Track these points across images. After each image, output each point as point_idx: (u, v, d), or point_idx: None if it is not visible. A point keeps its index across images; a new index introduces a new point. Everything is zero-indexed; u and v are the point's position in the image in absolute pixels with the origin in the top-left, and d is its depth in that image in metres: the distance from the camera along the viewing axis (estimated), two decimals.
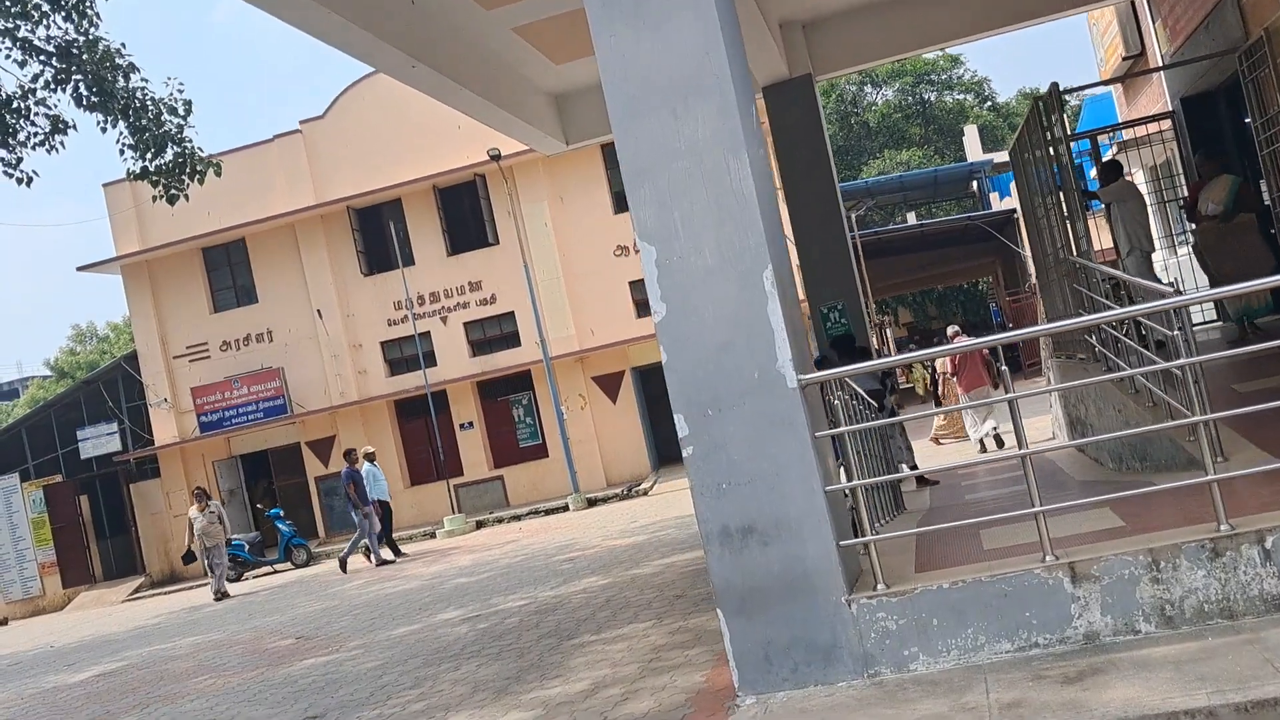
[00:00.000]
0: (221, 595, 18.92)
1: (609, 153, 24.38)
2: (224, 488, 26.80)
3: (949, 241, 38.79)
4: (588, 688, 7.02)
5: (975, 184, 44.80)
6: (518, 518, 22.67)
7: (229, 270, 26.80)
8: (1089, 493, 8.44)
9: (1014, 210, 34.93)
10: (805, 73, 14.27)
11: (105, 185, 26.87)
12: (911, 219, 44.67)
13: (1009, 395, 5.34)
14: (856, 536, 5.60)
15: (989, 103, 58.50)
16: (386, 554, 19.32)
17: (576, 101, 15.20)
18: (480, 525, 22.82)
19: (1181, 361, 5.73)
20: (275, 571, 22.80)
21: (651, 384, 24.88)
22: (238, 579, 22.46)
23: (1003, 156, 47.64)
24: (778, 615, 5.24)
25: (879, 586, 5.22)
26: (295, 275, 26.00)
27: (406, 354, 25.63)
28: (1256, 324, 9.88)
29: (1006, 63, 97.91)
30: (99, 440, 28.10)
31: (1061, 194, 10.79)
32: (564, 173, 24.47)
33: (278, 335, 26.20)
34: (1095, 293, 10.07)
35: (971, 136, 49.66)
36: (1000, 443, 16.76)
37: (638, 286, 24.34)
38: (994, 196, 42.39)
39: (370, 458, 19.67)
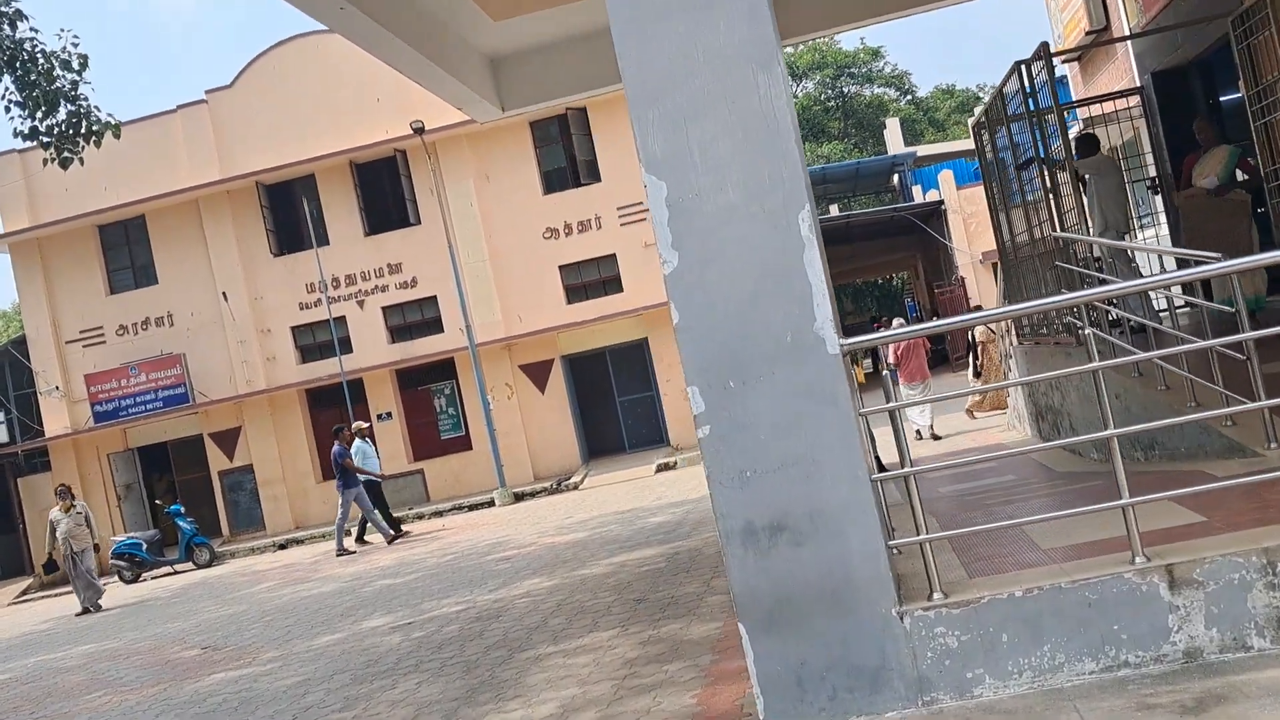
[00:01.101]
0: (89, 609, 16.61)
1: (539, 130, 23.30)
2: (120, 482, 25.09)
3: (873, 234, 38.44)
4: (555, 711, 6.02)
5: (897, 177, 44.62)
6: (439, 513, 21.48)
7: (127, 249, 25.06)
8: (1088, 487, 7.70)
9: (940, 202, 34.69)
10: None
11: None
12: (834, 211, 44.29)
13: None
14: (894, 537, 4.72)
15: (910, 96, 58.56)
16: (350, 544, 17.97)
17: (514, 65, 14.17)
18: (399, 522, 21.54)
19: (1245, 335, 4.97)
20: (175, 572, 21.30)
21: (582, 372, 23.81)
22: (135, 580, 20.97)
23: (926, 149, 47.71)
24: (814, 630, 4.32)
25: (935, 596, 4.32)
26: (199, 255, 24.39)
27: (320, 340, 24.21)
28: (1261, 309, 9.23)
29: (927, 56, 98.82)
30: None
31: (1045, 166, 10.08)
32: (491, 150, 23.29)
33: (179, 319, 24.56)
34: (1088, 269, 9.38)
35: (893, 129, 49.52)
36: (927, 434, 16.15)
37: (569, 270, 23.25)
38: (916, 189, 42.19)
39: (363, 434, 18.29)
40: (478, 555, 13.80)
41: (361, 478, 17.51)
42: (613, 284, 22.92)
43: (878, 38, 58.65)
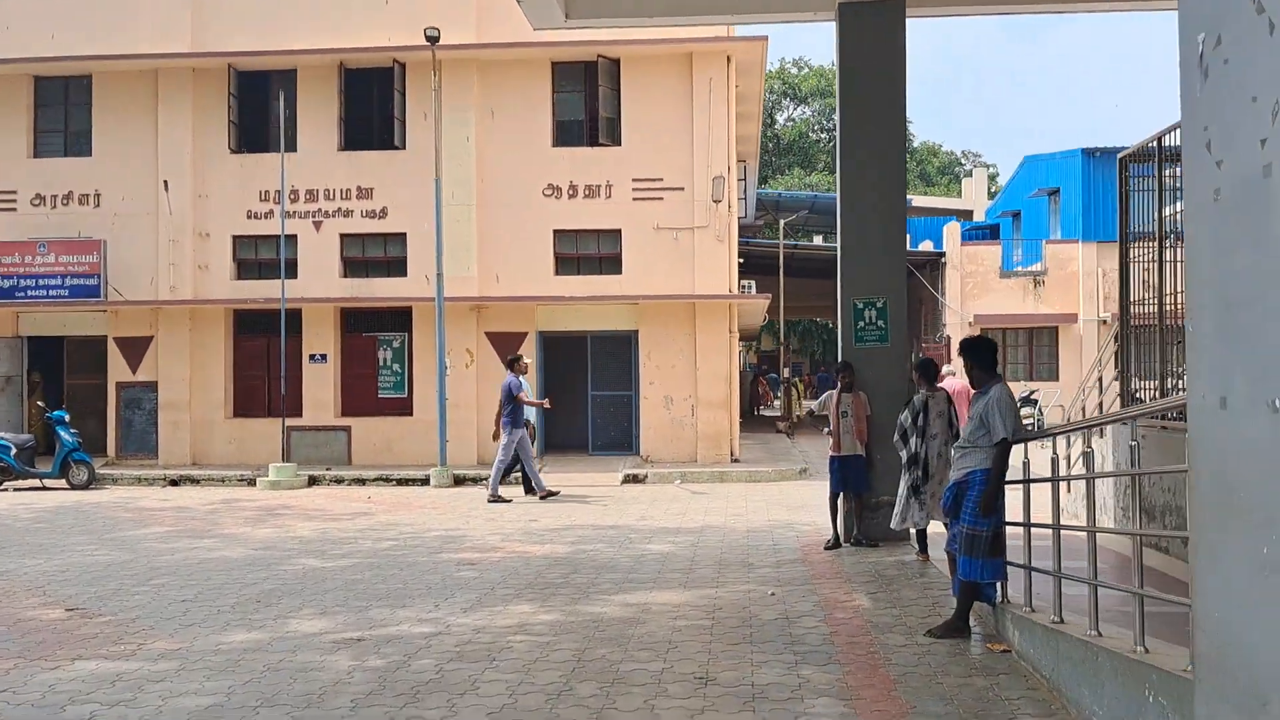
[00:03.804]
0: None
1: (562, 73, 20.69)
2: None
3: None
4: None
5: None
6: (362, 481, 18.69)
7: (64, 110, 21.77)
8: None
9: (941, 254, 32.84)
10: None
11: None
12: (819, 242, 42.33)
13: None
14: None
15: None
16: (504, 491, 15.61)
17: None
18: (313, 482, 18.73)
19: None
20: (45, 487, 18.22)
21: (556, 355, 21.13)
22: None
23: (924, 201, 46.02)
24: None
25: None
26: (145, 133, 21.22)
27: (263, 256, 21.24)
28: None
29: (926, 115, 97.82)
30: None
31: None
32: (503, 83, 20.57)
33: (108, 201, 21.35)
34: None
35: None
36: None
37: (564, 237, 20.59)
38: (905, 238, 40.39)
39: (524, 369, 16.10)
40: (427, 550, 11.17)
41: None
42: (611, 263, 20.31)
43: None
